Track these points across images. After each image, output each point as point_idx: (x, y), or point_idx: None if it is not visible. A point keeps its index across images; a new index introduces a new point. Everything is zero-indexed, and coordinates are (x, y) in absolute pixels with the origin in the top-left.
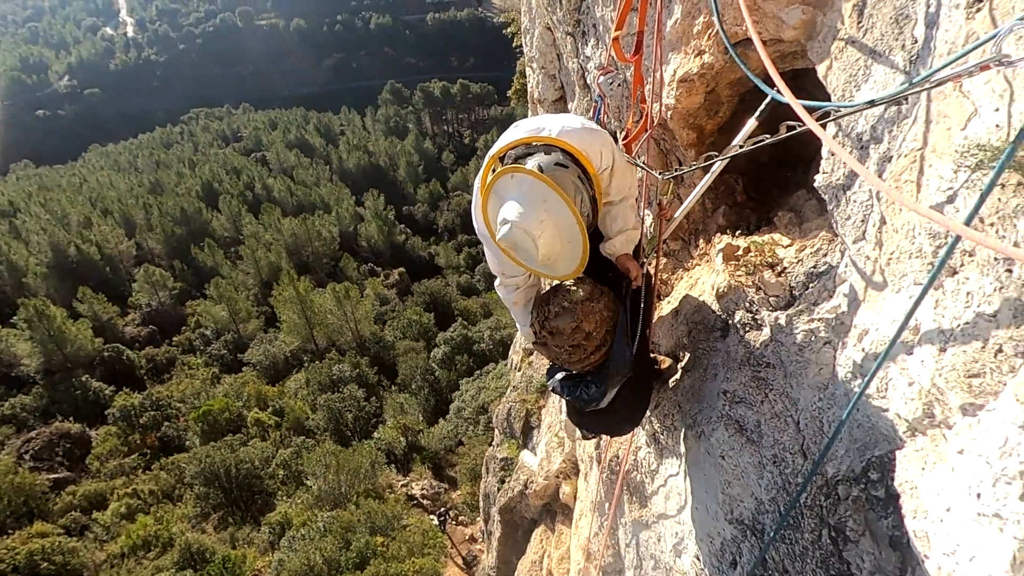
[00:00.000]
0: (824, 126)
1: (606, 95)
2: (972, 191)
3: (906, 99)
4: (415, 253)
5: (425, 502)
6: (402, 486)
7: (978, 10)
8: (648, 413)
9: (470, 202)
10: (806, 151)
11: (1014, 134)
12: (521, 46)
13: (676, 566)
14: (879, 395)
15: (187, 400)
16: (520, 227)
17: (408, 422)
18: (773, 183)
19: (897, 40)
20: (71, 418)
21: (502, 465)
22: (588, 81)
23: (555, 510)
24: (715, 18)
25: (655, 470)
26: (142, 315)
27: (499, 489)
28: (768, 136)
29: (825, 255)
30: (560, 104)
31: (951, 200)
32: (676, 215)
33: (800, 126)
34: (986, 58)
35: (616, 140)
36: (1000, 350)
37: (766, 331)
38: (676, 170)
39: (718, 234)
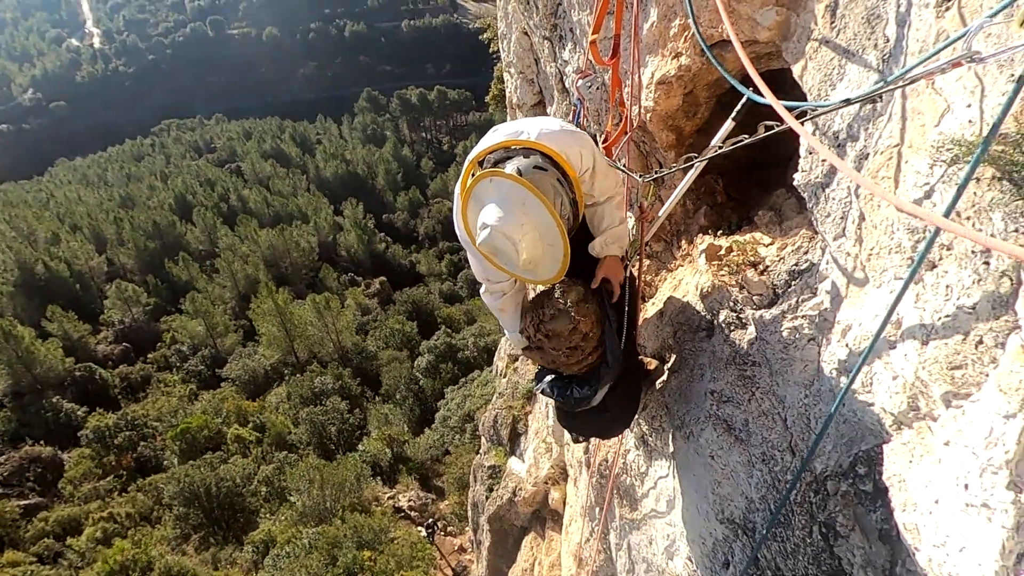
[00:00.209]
0: (802, 125)
1: (585, 98)
2: (949, 185)
3: (880, 97)
4: (396, 261)
5: (412, 514)
6: (389, 498)
7: (947, 9)
8: (637, 415)
9: (451, 209)
10: (783, 151)
11: (987, 129)
12: (498, 51)
13: (669, 568)
14: (864, 390)
15: (164, 418)
16: (500, 231)
17: (393, 433)
18: (753, 183)
19: (870, 39)
20: (42, 441)
21: (490, 473)
22: (567, 85)
23: (545, 516)
24: (691, 20)
25: (645, 472)
26: (115, 332)
27: (487, 497)
28: (747, 136)
29: (806, 253)
30: (539, 108)
31: (928, 195)
32: (660, 214)
33: (779, 125)
34: (957, 55)
35: (596, 143)
36: (981, 342)
37: (751, 330)
38: (656, 172)
39: (700, 234)
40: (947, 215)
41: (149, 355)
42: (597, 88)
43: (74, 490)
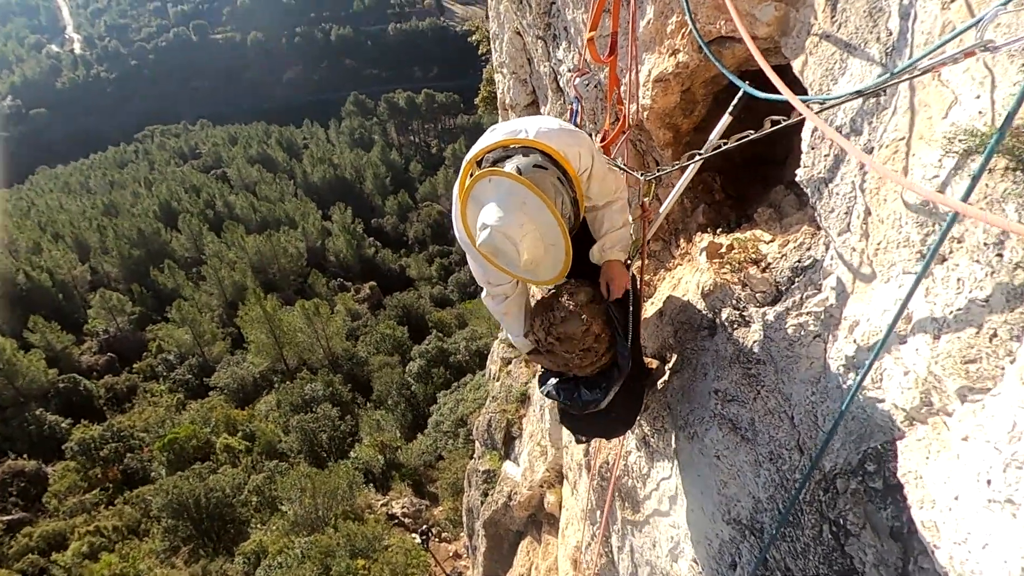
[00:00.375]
0: (803, 121)
1: (583, 97)
2: (961, 177)
3: (884, 90)
4: (386, 266)
5: (406, 520)
6: (382, 505)
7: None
8: (639, 415)
9: (440, 212)
10: (781, 149)
11: (999, 120)
12: (487, 54)
13: (673, 570)
14: (874, 386)
15: (151, 429)
16: (500, 231)
17: (385, 439)
18: (749, 180)
19: (872, 33)
20: (25, 455)
21: (485, 478)
22: (561, 85)
23: (541, 520)
24: (688, 17)
25: (647, 474)
26: (99, 342)
27: (483, 502)
28: (752, 132)
29: (809, 249)
30: (532, 109)
31: (940, 188)
32: (660, 210)
33: (786, 120)
34: (970, 44)
35: (594, 143)
36: (995, 335)
37: (755, 327)
38: (659, 170)
39: (699, 233)
40: None
41: (135, 365)
42: (595, 86)
43: (59, 504)
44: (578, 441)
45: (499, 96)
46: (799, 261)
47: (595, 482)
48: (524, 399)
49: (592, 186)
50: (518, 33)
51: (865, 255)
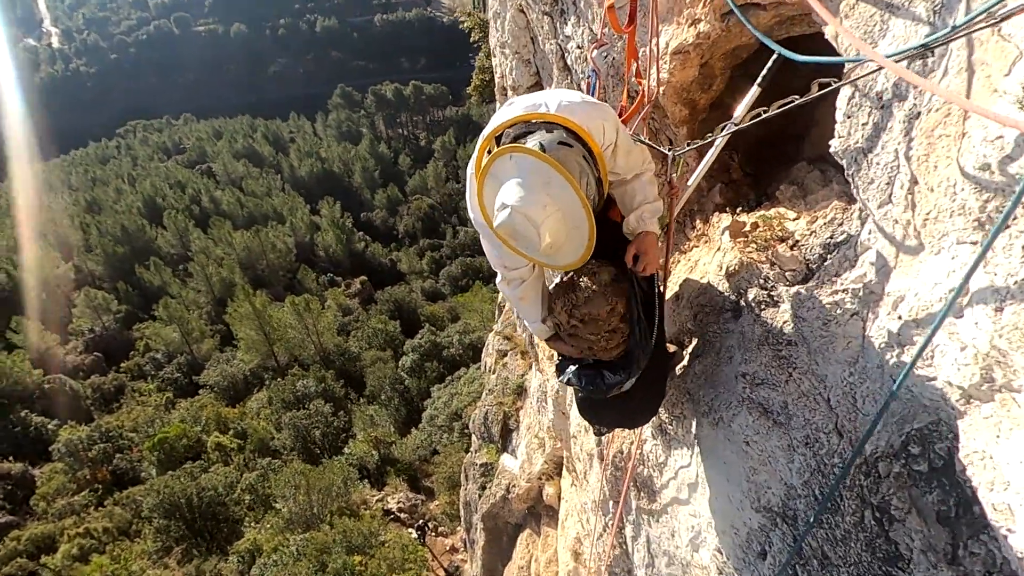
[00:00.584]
0: (830, 87)
1: (601, 70)
2: None
3: (932, 51)
4: (376, 260)
5: (402, 515)
6: (377, 501)
7: None
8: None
9: (431, 205)
10: (800, 124)
11: None
12: (479, 41)
13: (694, 560)
14: (924, 363)
15: (140, 429)
16: (521, 212)
17: (379, 434)
18: (766, 158)
19: None
20: (11, 457)
21: (482, 471)
22: (568, 63)
23: (539, 512)
24: None
25: (664, 463)
26: (85, 342)
27: (480, 496)
28: (798, 97)
29: (841, 224)
30: (535, 90)
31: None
32: (689, 183)
33: (835, 82)
34: None
35: None
36: None
37: (784, 307)
38: (688, 144)
39: (716, 213)
40: None
41: (122, 364)
42: (612, 59)
43: (47, 506)
44: (598, 433)
45: (497, 80)
46: (831, 237)
47: (608, 472)
48: (520, 391)
49: (618, 159)
50: (521, 10)
51: (912, 226)
